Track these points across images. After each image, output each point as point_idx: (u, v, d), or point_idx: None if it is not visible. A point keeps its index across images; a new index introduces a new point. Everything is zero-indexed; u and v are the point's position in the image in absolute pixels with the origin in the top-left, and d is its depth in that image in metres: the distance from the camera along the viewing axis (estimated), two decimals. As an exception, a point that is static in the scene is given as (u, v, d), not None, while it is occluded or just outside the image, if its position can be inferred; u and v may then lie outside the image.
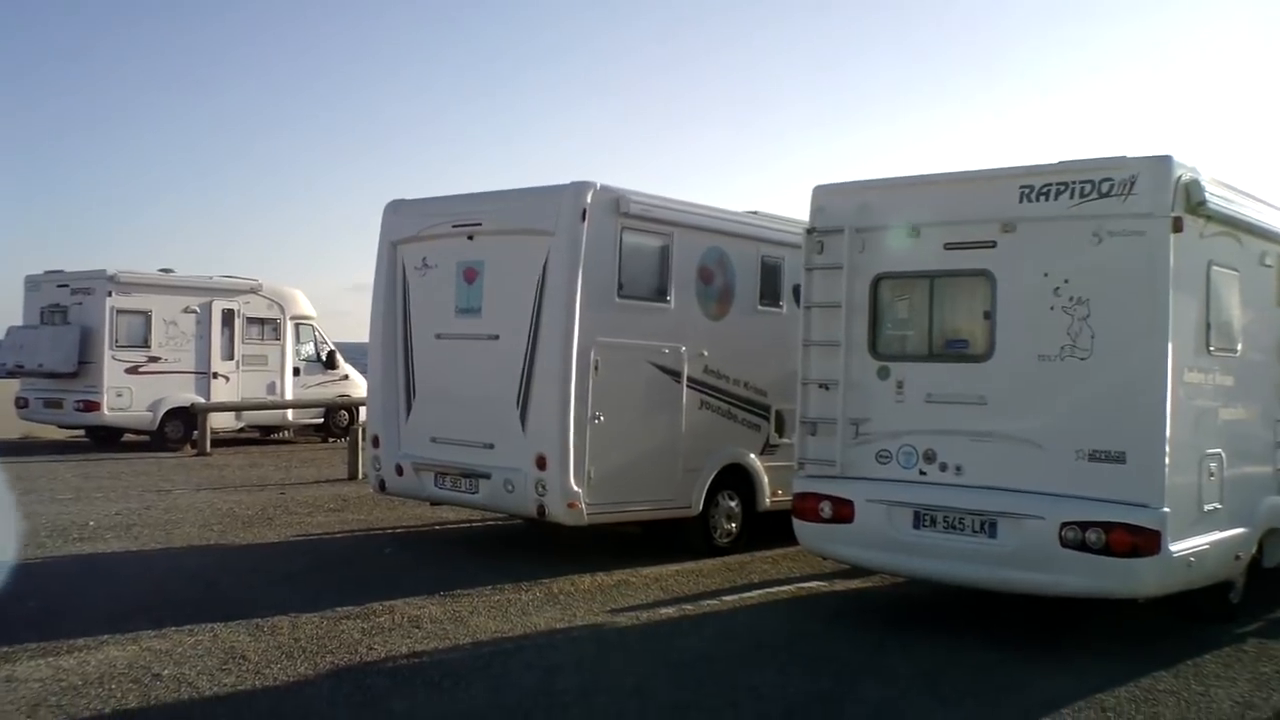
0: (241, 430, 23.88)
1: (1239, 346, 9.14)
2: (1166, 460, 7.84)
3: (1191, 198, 8.12)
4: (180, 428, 22.12)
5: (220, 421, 22.64)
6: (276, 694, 7.08)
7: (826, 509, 9.29)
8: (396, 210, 12.39)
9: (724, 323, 12.08)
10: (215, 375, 22.53)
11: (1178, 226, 7.95)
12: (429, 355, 11.94)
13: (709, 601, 9.95)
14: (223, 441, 22.79)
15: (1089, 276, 8.18)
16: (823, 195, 9.67)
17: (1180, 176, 8.05)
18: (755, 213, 12.84)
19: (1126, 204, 8.01)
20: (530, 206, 11.16)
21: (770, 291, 12.52)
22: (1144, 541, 7.78)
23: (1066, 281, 8.26)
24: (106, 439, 22.58)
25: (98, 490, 16.02)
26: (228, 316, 22.80)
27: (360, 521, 13.91)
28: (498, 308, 11.30)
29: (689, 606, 9.73)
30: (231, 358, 22.86)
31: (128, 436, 22.62)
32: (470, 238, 11.56)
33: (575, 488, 10.59)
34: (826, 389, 9.48)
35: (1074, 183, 8.23)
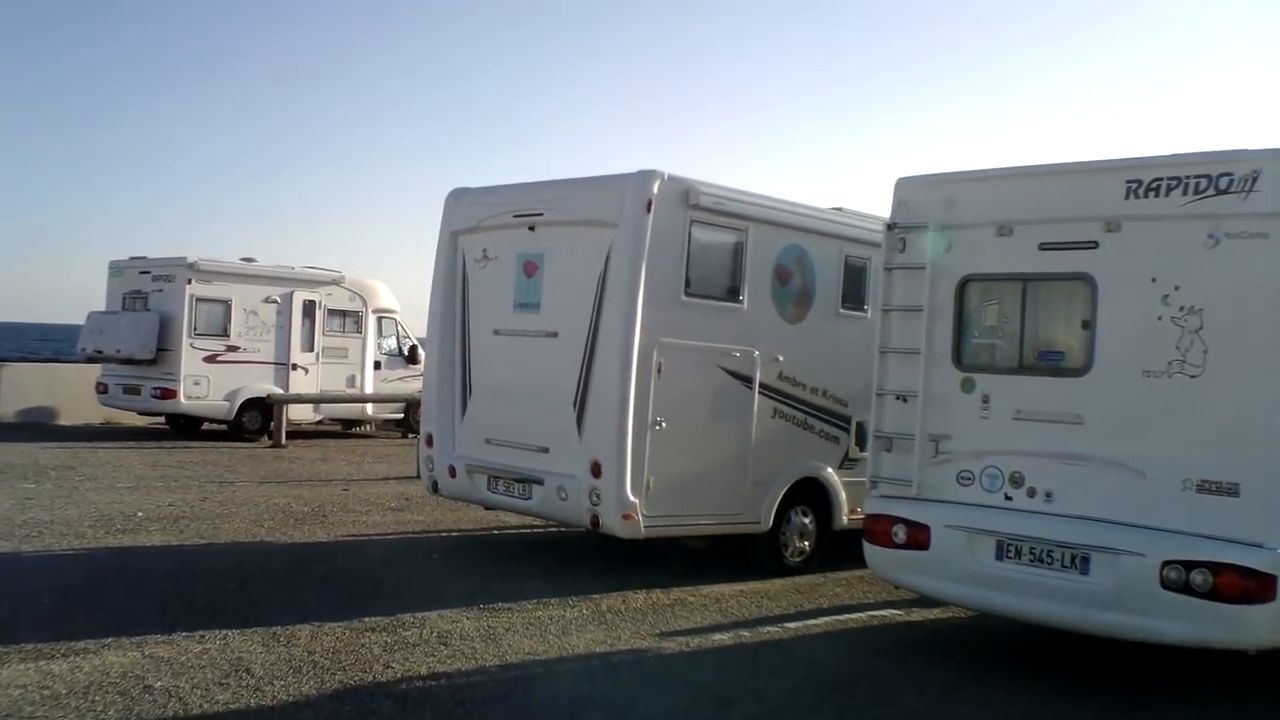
0: (320, 423, 23.54)
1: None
2: (1287, 495, 6.83)
3: (1324, 196, 7.06)
4: (257, 418, 21.79)
5: (299, 414, 22.30)
6: (269, 715, 6.43)
7: (900, 533, 8.43)
8: (458, 199, 11.74)
9: (802, 326, 11.22)
10: (294, 366, 22.18)
11: (1307, 228, 6.93)
12: (486, 352, 11.28)
13: (769, 628, 9.13)
14: (301, 434, 22.44)
15: (1202, 283, 7.19)
16: (906, 188, 8.81)
17: (1312, 171, 7.00)
18: (840, 209, 11.95)
19: (1247, 202, 7.01)
20: (593, 196, 10.44)
21: (853, 294, 11.60)
22: (1256, 586, 6.78)
23: (1177, 289, 7.27)
24: (186, 427, 22.35)
25: (160, 480, 15.65)
26: (309, 308, 22.45)
27: (418, 523, 13.33)
28: (557, 303, 10.61)
29: (746, 633, 8.92)
30: (312, 349, 22.49)
31: (207, 426, 22.36)
32: (531, 229, 10.89)
33: (632, 498, 9.84)
34: (904, 401, 8.61)
35: (1188, 177, 7.25)
